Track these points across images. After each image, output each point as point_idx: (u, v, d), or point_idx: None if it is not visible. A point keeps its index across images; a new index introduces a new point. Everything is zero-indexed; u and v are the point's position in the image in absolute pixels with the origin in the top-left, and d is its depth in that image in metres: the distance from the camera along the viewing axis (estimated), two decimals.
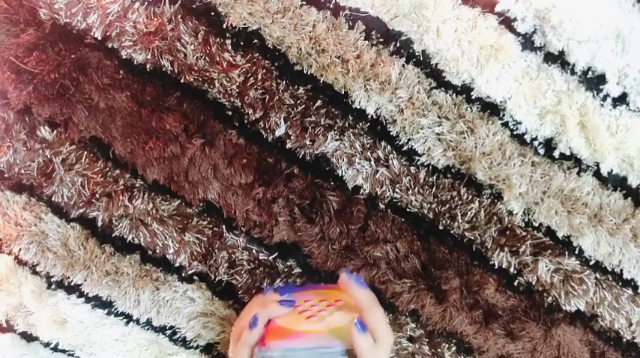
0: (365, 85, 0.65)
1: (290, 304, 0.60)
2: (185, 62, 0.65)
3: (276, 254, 0.70)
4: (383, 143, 0.67)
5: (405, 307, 0.69)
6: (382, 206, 0.68)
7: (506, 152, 0.65)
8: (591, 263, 0.68)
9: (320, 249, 0.69)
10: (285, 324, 0.59)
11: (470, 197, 0.67)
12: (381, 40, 0.64)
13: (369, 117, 0.66)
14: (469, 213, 0.67)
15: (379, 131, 0.67)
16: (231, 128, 0.67)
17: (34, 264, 0.72)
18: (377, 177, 0.67)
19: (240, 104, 0.66)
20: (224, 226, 0.70)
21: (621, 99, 0.65)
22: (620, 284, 0.68)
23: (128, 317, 0.74)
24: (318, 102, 0.66)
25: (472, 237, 0.68)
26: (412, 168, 0.67)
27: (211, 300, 0.72)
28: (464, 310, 0.68)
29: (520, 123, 0.65)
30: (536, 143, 0.66)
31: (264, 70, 0.65)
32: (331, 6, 0.64)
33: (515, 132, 0.66)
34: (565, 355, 0.69)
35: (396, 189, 0.67)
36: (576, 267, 0.67)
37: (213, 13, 0.64)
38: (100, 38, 0.65)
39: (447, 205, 0.67)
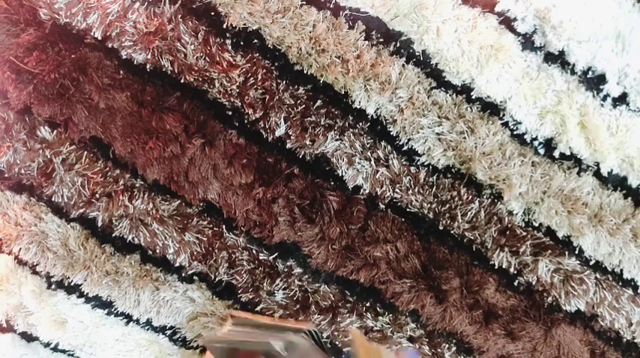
0: (365, 85, 0.65)
1: None
2: (185, 62, 0.65)
3: (276, 254, 0.70)
4: (383, 143, 0.67)
5: (405, 307, 0.69)
6: (382, 206, 0.68)
7: (506, 152, 0.66)
8: (591, 263, 0.68)
9: (320, 249, 0.69)
10: None
11: (470, 197, 0.67)
12: (381, 40, 0.64)
13: (369, 117, 0.66)
14: (469, 213, 0.67)
15: (379, 131, 0.67)
16: (231, 128, 0.67)
17: (34, 264, 0.72)
18: (377, 177, 0.67)
19: (240, 104, 0.66)
20: (224, 226, 0.70)
21: (621, 99, 0.65)
22: (620, 284, 0.68)
23: (128, 317, 0.74)
24: (318, 102, 0.66)
25: (472, 237, 0.68)
26: (412, 168, 0.67)
27: (211, 300, 0.72)
28: (464, 310, 0.68)
29: (520, 123, 0.65)
30: (536, 143, 0.66)
31: (264, 70, 0.65)
32: (331, 6, 0.64)
33: (515, 132, 0.66)
34: (565, 355, 0.69)
35: (396, 189, 0.67)
36: (576, 267, 0.67)
37: (213, 13, 0.64)
38: (100, 38, 0.65)
39: (447, 205, 0.67)
